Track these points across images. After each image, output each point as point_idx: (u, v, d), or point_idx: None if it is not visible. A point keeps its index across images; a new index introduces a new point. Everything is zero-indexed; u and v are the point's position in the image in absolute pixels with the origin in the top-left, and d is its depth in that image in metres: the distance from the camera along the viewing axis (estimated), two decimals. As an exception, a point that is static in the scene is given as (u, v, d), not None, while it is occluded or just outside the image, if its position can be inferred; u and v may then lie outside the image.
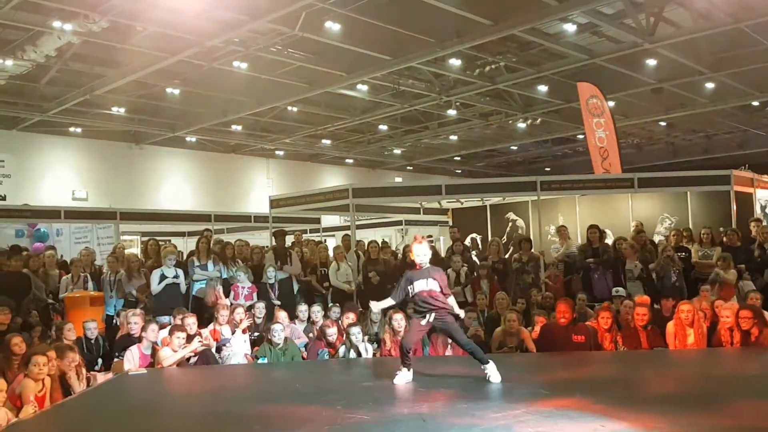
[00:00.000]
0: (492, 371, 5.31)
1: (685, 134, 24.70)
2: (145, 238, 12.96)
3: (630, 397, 4.82)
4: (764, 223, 11.16)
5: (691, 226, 11.28)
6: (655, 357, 6.92)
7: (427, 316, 5.43)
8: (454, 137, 24.37)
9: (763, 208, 13.80)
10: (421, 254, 5.58)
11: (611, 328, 7.29)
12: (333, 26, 12.83)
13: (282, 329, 7.28)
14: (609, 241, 10.50)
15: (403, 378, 5.42)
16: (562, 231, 10.85)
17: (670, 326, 7.21)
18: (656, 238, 11.56)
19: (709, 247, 9.46)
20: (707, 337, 7.15)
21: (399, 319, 7.37)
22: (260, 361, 7.16)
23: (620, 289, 8.77)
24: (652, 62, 15.45)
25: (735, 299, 8.29)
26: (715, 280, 8.70)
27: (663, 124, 22.66)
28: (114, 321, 8.76)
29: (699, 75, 16.32)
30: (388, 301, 5.83)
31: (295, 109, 19.21)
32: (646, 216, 12.41)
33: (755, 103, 19.72)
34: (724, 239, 9.76)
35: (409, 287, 5.53)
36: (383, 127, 22.38)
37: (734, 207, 11.02)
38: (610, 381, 5.61)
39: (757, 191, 12.30)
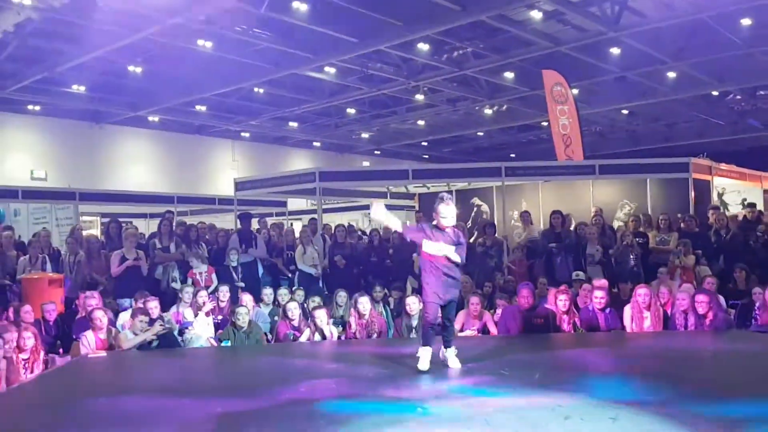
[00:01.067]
0: (452, 357, 5.22)
1: (647, 123, 25.17)
2: (106, 220, 12.73)
3: (586, 377, 4.95)
4: (721, 211, 11.50)
5: (650, 212, 11.54)
6: (612, 339, 7.10)
7: (452, 290, 5.17)
8: (421, 122, 24.43)
9: (720, 195, 14.20)
10: (449, 216, 5.14)
11: (569, 310, 7.45)
12: (300, 6, 12.69)
13: (246, 312, 7.25)
14: (570, 226, 10.69)
15: (426, 361, 5.10)
16: (524, 216, 11.00)
17: (628, 309, 7.40)
18: (615, 224, 11.81)
19: (666, 233, 9.70)
20: (663, 321, 7.36)
21: (364, 302, 7.43)
22: (224, 344, 7.13)
23: (580, 272, 8.95)
24: (616, 51, 15.68)
25: (694, 283, 8.55)
26: (675, 263, 8.92)
27: (625, 112, 23.06)
28: (74, 303, 8.60)
29: (661, 64, 16.62)
30: (397, 223, 5.32)
31: (261, 90, 18.99)
32: (606, 202, 12.67)
33: (715, 93, 20.19)
34: (682, 225, 10.02)
35: (425, 239, 5.11)
36: (351, 111, 22.29)
37: (692, 194, 11.31)
38: (568, 362, 5.75)
39: (714, 179, 12.64)
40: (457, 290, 5.34)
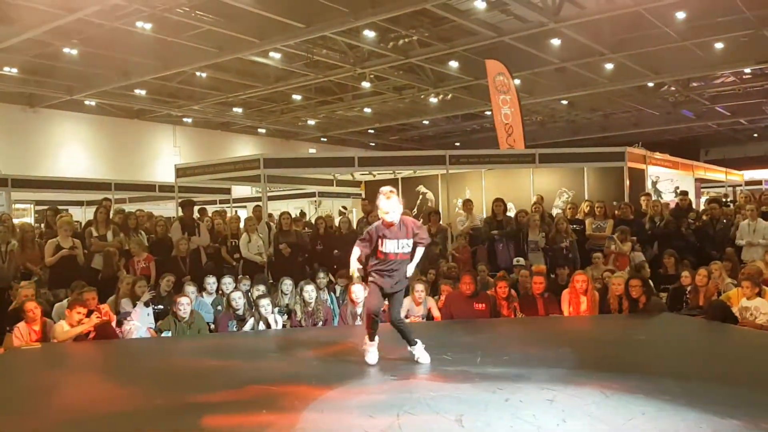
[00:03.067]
0: (420, 353, 5.02)
1: (585, 113, 25.83)
2: (40, 207, 12.27)
3: (525, 361, 5.09)
4: (654, 198, 11.95)
5: (587, 200, 11.87)
6: (549, 323, 7.31)
7: (397, 281, 5.01)
8: (368, 110, 24.40)
9: (654, 183, 14.74)
10: (391, 210, 4.87)
11: (509, 296, 7.64)
12: (244, -10, 12.47)
13: (188, 302, 7.12)
14: (511, 213, 10.92)
15: (374, 353, 4.98)
16: (467, 204, 11.16)
17: (565, 294, 7.64)
18: (554, 212, 12.12)
19: (602, 220, 10.02)
20: (599, 305, 7.62)
21: (310, 290, 7.43)
22: (164, 335, 7.00)
23: (520, 259, 9.18)
24: (556, 42, 16.00)
25: (628, 269, 8.89)
26: (611, 248, 9.26)
27: (564, 102, 23.59)
28: (6, 293, 8.28)
29: (600, 56, 17.06)
30: (356, 252, 5.08)
31: (204, 74, 18.57)
32: (545, 190, 12.96)
33: (650, 84, 20.88)
34: (616, 212, 10.37)
35: (379, 241, 4.93)
36: (297, 97, 22.07)
37: (627, 182, 11.70)
38: (508, 346, 5.89)
39: (648, 168, 13.10)
40: (404, 282, 5.16)
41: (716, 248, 9.47)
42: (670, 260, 8.76)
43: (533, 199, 11.83)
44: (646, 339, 6.25)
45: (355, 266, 5.09)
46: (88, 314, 6.67)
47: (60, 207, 13.28)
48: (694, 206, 12.14)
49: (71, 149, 21.61)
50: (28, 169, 18.17)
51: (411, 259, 5.09)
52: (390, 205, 4.88)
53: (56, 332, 6.49)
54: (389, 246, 4.92)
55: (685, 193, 11.64)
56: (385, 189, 4.98)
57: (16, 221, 10.52)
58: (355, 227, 11.04)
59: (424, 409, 3.78)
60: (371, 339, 5.06)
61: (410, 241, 4.96)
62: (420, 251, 5.15)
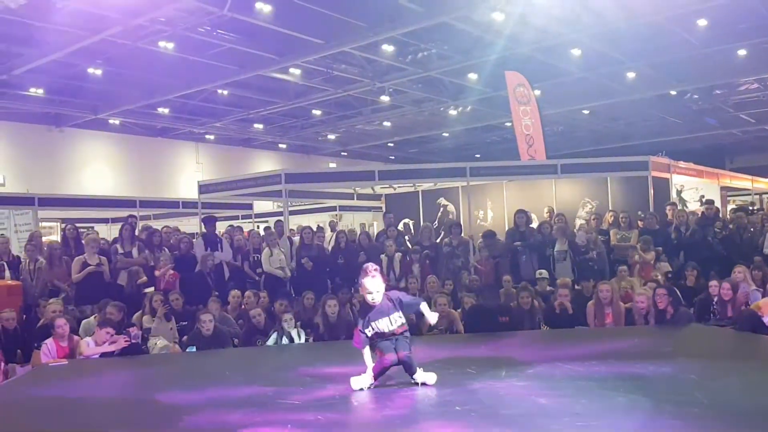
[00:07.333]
0: (423, 377, 4.67)
1: (607, 122, 25.63)
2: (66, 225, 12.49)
3: (551, 374, 5.02)
4: (679, 207, 11.80)
5: (611, 210, 11.75)
6: (575, 335, 7.22)
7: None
8: (387, 123, 24.48)
9: (678, 192, 14.56)
10: (375, 291, 4.53)
11: (532, 308, 7.56)
12: (264, 7, 12.62)
13: (211, 319, 7.16)
14: (533, 225, 10.84)
15: (363, 383, 4.62)
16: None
17: (590, 306, 7.54)
18: (577, 222, 12.00)
19: (626, 230, 9.90)
20: (624, 316, 7.52)
21: (332, 305, 7.44)
22: (189, 350, 7.04)
23: (543, 271, 9.09)
24: (576, 52, 15.93)
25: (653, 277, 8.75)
26: (634, 258, 9.14)
27: (586, 112, 23.44)
28: (34, 310, 8.41)
29: (620, 64, 16.94)
30: (364, 349, 4.70)
31: (225, 92, 18.82)
32: (568, 201, 12.86)
33: (673, 92, 20.66)
34: (639, 223, 10.25)
35: (371, 325, 4.60)
36: (317, 112, 22.24)
37: (651, 191, 11.58)
38: (533, 359, 5.81)
39: (673, 176, 12.95)
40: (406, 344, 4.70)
41: (743, 257, 9.29)
42: (693, 273, 8.63)
43: (546, 210, 11.76)
44: (674, 350, 6.13)
45: (371, 364, 4.70)
46: (118, 332, 6.74)
47: (86, 225, 13.48)
48: (720, 215, 11.96)
49: (96, 167, 21.99)
50: (54, 187, 18.54)
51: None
52: (374, 285, 4.54)
53: (82, 348, 6.56)
54: (382, 324, 4.58)
55: (711, 202, 11.47)
56: (368, 266, 4.62)
57: (43, 239, 10.71)
58: (375, 240, 11.05)
59: (450, 423, 3.74)
60: (373, 378, 4.68)
61: (401, 313, 4.60)
62: (425, 308, 4.81)
